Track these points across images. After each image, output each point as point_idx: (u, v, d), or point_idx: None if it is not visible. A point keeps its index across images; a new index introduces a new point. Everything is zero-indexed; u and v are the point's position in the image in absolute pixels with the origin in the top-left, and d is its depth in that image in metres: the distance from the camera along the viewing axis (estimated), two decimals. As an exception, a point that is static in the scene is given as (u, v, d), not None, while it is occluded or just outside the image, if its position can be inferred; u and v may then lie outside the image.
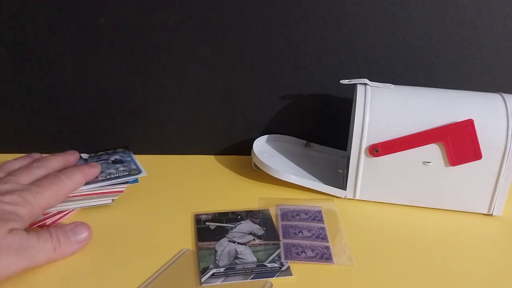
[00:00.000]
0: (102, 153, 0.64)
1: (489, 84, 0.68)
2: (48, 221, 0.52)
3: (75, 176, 0.53)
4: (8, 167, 0.53)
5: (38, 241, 0.45)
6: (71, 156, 0.58)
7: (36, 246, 0.45)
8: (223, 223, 0.55)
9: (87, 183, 0.56)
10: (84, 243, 0.49)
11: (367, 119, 0.57)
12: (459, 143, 0.56)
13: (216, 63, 0.66)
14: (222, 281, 0.46)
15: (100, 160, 0.62)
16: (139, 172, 0.59)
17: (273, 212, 0.58)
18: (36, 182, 0.50)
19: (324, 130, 0.71)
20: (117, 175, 0.58)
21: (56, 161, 0.55)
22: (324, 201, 0.60)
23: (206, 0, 0.62)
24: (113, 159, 0.62)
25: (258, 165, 0.63)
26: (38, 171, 0.52)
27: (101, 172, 0.58)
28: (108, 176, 0.58)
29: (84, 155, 0.63)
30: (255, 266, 0.48)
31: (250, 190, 0.62)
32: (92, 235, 0.50)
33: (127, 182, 0.58)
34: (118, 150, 0.66)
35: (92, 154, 0.64)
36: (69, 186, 0.52)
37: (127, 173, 0.59)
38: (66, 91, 0.66)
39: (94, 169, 0.56)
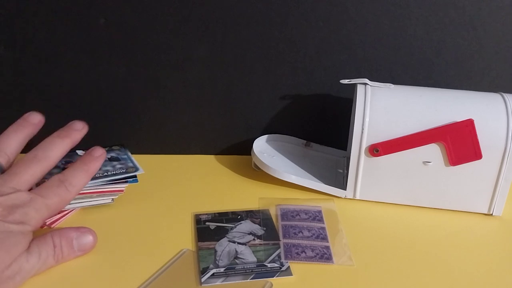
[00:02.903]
0: None
1: (489, 84, 0.68)
2: (48, 221, 0.52)
3: (80, 182, 0.49)
4: (3, 144, 0.49)
5: (38, 259, 0.43)
6: (79, 134, 0.53)
7: (35, 265, 0.43)
8: (223, 223, 0.55)
9: None
10: (87, 251, 0.48)
11: (367, 119, 0.57)
12: (459, 143, 0.56)
13: (216, 63, 0.66)
14: (222, 281, 0.46)
15: None
16: (136, 169, 0.59)
17: (273, 212, 0.58)
18: (39, 191, 0.46)
19: (324, 130, 0.71)
20: (114, 172, 0.58)
21: (61, 147, 0.50)
22: (324, 201, 0.60)
23: (206, 0, 0.62)
24: (109, 156, 0.62)
25: (258, 165, 0.63)
26: (40, 168, 0.48)
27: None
28: (105, 174, 0.58)
29: (80, 152, 0.63)
30: (255, 266, 0.48)
31: (250, 190, 0.62)
32: (96, 241, 0.49)
33: (126, 182, 0.58)
34: (114, 147, 0.66)
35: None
36: (73, 194, 0.48)
37: (124, 171, 0.59)
38: (66, 91, 0.66)
39: (98, 163, 0.52)
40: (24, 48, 0.63)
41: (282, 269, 0.48)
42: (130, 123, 0.68)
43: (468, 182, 0.58)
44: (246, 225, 0.55)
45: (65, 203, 0.48)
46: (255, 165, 0.65)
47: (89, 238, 0.48)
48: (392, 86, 0.60)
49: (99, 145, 0.67)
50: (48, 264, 0.45)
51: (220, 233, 0.53)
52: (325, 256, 0.50)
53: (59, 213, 0.54)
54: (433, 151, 0.57)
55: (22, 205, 0.44)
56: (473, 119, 0.55)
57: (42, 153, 0.49)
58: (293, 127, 0.71)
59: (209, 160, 0.70)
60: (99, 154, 0.52)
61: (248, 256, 0.50)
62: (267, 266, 0.48)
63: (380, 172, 0.59)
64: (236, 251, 0.50)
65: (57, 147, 0.50)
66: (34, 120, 0.52)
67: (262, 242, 0.52)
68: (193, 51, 0.65)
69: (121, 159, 0.62)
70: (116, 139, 0.69)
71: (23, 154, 0.50)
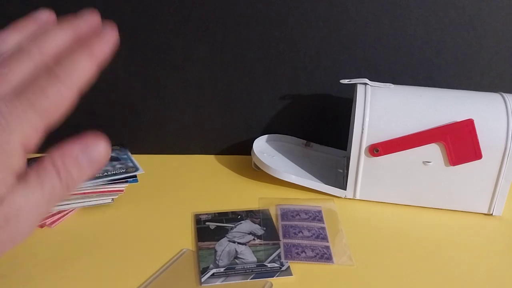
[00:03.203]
0: None
1: (489, 84, 0.68)
2: (48, 221, 0.52)
3: (82, 70, 0.31)
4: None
5: (42, 193, 0.29)
6: (85, 23, 0.35)
7: (40, 200, 0.29)
8: (223, 223, 0.55)
9: None
10: (102, 163, 0.32)
11: (367, 119, 0.57)
12: (459, 143, 0.56)
13: (216, 63, 0.66)
14: (222, 281, 0.46)
15: None
16: (136, 169, 0.59)
17: (273, 212, 0.58)
18: (22, 92, 0.29)
19: (324, 130, 0.71)
20: (114, 172, 0.58)
21: (60, 37, 0.33)
22: (324, 201, 0.60)
23: (206, 0, 0.62)
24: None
25: (258, 165, 0.63)
26: (29, 62, 0.31)
27: None
28: (105, 173, 0.58)
29: None
30: (255, 266, 0.48)
31: (250, 190, 0.62)
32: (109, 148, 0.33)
33: (126, 182, 0.58)
34: (113, 147, 0.66)
35: None
36: (71, 88, 0.31)
37: (124, 170, 0.59)
38: (66, 91, 0.66)
39: (108, 46, 0.32)
40: (24, 48, 0.63)
41: (282, 269, 0.48)
42: (130, 123, 0.68)
43: (468, 182, 0.58)
44: (246, 225, 0.55)
45: (62, 102, 0.32)
46: (255, 165, 0.65)
47: (99, 147, 0.32)
48: (392, 86, 0.60)
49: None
50: (58, 195, 0.31)
51: (220, 233, 0.53)
52: (325, 256, 0.50)
53: (58, 213, 0.54)
54: (433, 151, 0.57)
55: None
56: (473, 119, 0.55)
57: (31, 43, 0.33)
58: (293, 127, 0.71)
59: (209, 160, 0.70)
60: (111, 34, 0.33)
61: (248, 256, 0.50)
62: (267, 266, 0.48)
63: (380, 172, 0.59)
64: (236, 251, 0.50)
65: (54, 36, 0.33)
66: (42, 17, 0.36)
67: (262, 242, 0.52)
68: (193, 51, 0.65)
69: (121, 159, 0.62)
70: (116, 139, 0.69)
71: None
